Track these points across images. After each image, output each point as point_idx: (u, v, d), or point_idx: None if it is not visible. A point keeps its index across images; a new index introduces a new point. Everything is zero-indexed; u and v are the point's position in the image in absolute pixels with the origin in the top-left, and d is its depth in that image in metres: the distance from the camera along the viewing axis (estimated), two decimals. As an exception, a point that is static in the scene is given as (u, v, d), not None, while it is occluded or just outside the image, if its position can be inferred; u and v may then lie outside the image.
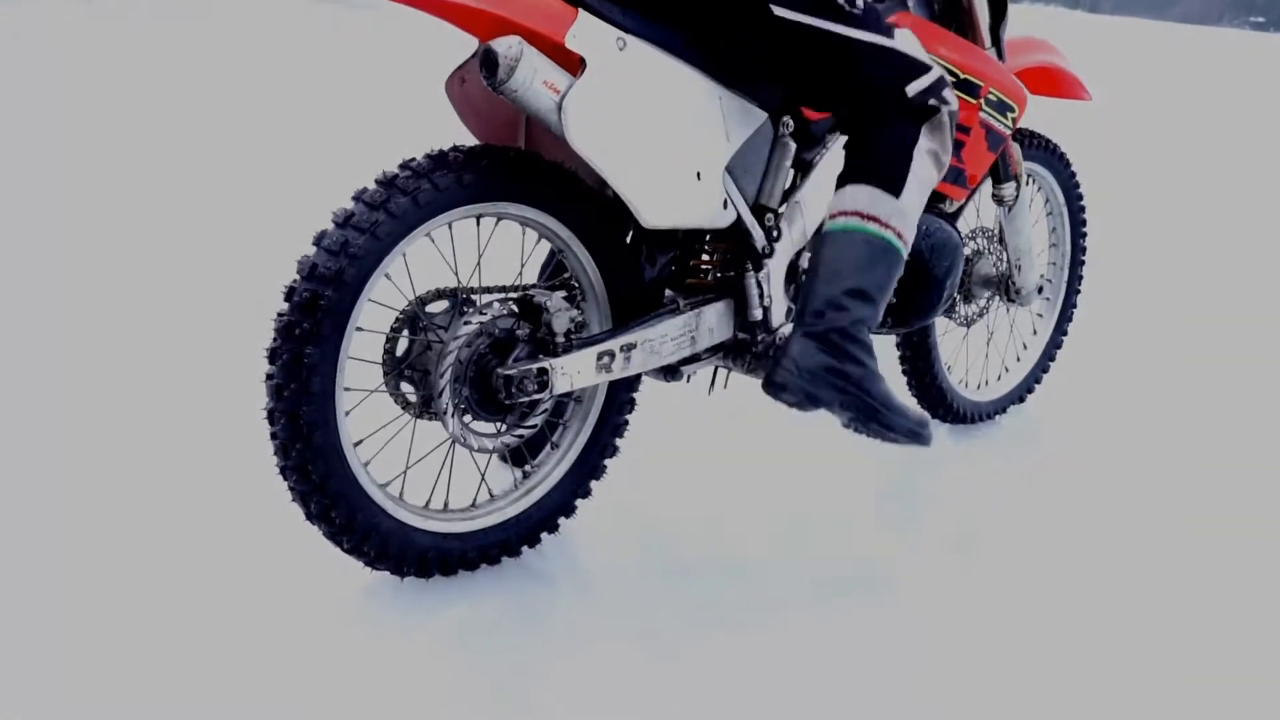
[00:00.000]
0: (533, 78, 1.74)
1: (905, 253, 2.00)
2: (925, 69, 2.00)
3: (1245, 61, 17.88)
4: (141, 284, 3.33)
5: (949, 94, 2.02)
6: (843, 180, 2.01)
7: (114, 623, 1.79)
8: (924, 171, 2.00)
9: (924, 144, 1.99)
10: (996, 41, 2.53)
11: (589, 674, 1.77)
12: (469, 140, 1.92)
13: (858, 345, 1.95)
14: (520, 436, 1.96)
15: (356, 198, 1.78)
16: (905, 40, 2.03)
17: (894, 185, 1.97)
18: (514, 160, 1.88)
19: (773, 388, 1.97)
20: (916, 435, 2.01)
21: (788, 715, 1.71)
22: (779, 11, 1.91)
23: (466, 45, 1.88)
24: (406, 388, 1.92)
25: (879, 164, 1.98)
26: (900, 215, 1.98)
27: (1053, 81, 2.79)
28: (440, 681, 1.73)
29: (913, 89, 1.98)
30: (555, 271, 2.12)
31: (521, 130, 2.01)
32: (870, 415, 1.97)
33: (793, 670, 1.81)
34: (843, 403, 1.96)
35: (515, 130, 2.00)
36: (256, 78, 7.35)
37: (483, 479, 2.02)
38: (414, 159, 1.82)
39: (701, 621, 1.92)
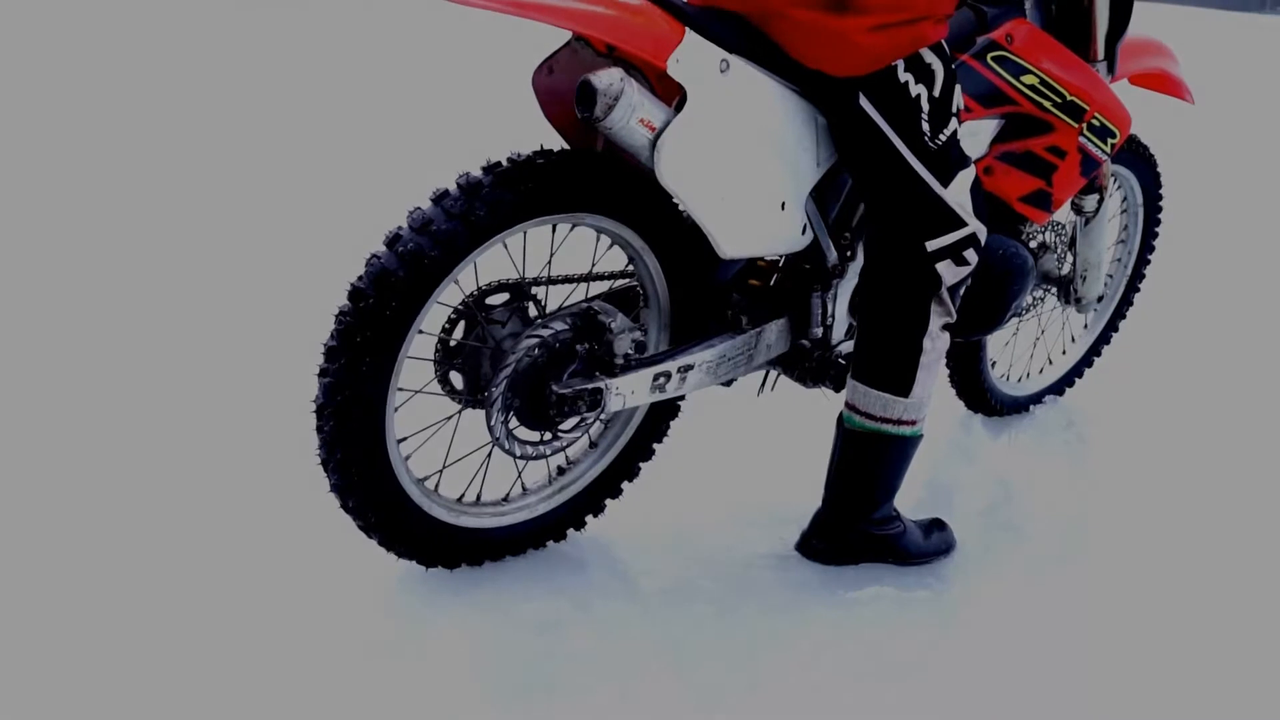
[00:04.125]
0: (630, 116, 1.65)
1: (921, 432, 2.04)
2: (959, 225, 1.93)
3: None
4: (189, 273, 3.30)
5: (970, 254, 1.97)
6: (856, 372, 2.01)
7: (134, 615, 1.82)
8: (932, 356, 1.99)
9: (933, 324, 1.97)
10: (1110, 52, 2.39)
11: (613, 664, 1.80)
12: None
13: (882, 531, 2.09)
14: (561, 448, 1.94)
15: (436, 201, 1.71)
16: (959, 187, 1.93)
17: (904, 388, 1.98)
18: (595, 169, 1.80)
19: (808, 553, 2.11)
20: (944, 553, 2.16)
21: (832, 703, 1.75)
22: (863, 102, 1.83)
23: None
24: (456, 377, 1.89)
25: (889, 368, 1.98)
26: (914, 408, 2.01)
27: (1159, 83, 2.66)
28: (465, 670, 1.76)
29: (933, 244, 1.92)
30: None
31: (604, 127, 1.91)
32: (903, 564, 2.11)
33: (826, 659, 1.85)
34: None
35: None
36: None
37: (519, 479, 2.01)
38: (497, 163, 1.74)
39: (736, 607, 1.95)
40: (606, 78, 1.63)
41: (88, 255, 3.53)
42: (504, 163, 1.74)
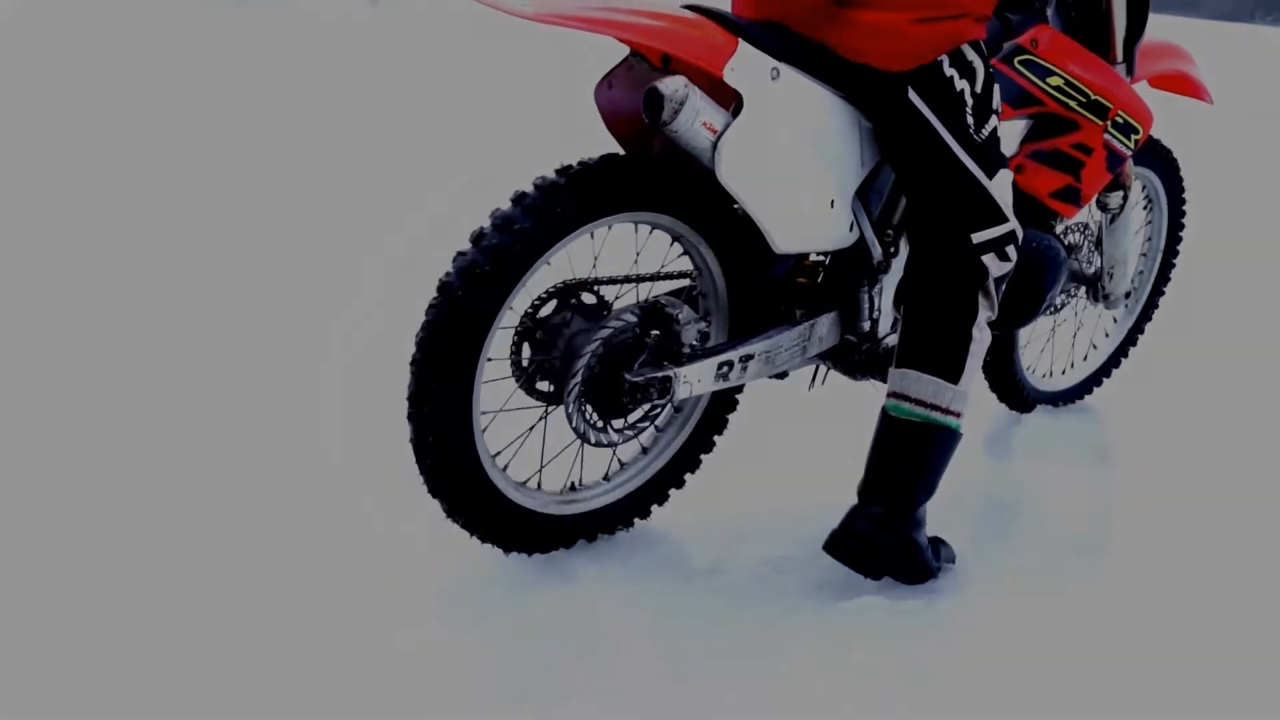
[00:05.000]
0: (694, 119, 1.79)
1: (962, 431, 2.09)
2: (1002, 220, 2.06)
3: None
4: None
5: (1011, 250, 2.08)
6: (903, 359, 2.07)
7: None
8: (979, 346, 2.07)
9: (981, 315, 2.07)
10: (1129, 54, 2.53)
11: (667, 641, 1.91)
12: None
13: (914, 535, 2.07)
14: (633, 436, 2.07)
15: (516, 201, 1.85)
16: (1002, 182, 2.07)
17: (954, 374, 2.05)
18: (657, 172, 1.94)
19: (837, 553, 2.06)
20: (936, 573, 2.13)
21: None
22: (912, 96, 1.97)
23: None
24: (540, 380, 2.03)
25: (940, 353, 2.05)
26: (961, 398, 2.07)
27: (1178, 84, 2.79)
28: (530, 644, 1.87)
29: (978, 238, 2.04)
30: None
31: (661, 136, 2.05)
32: (918, 581, 2.09)
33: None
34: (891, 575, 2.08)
35: (659, 136, 2.04)
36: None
37: (616, 459, 2.17)
38: (570, 166, 1.88)
39: (777, 594, 2.05)
40: (672, 84, 1.78)
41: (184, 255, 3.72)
42: (575, 165, 1.88)
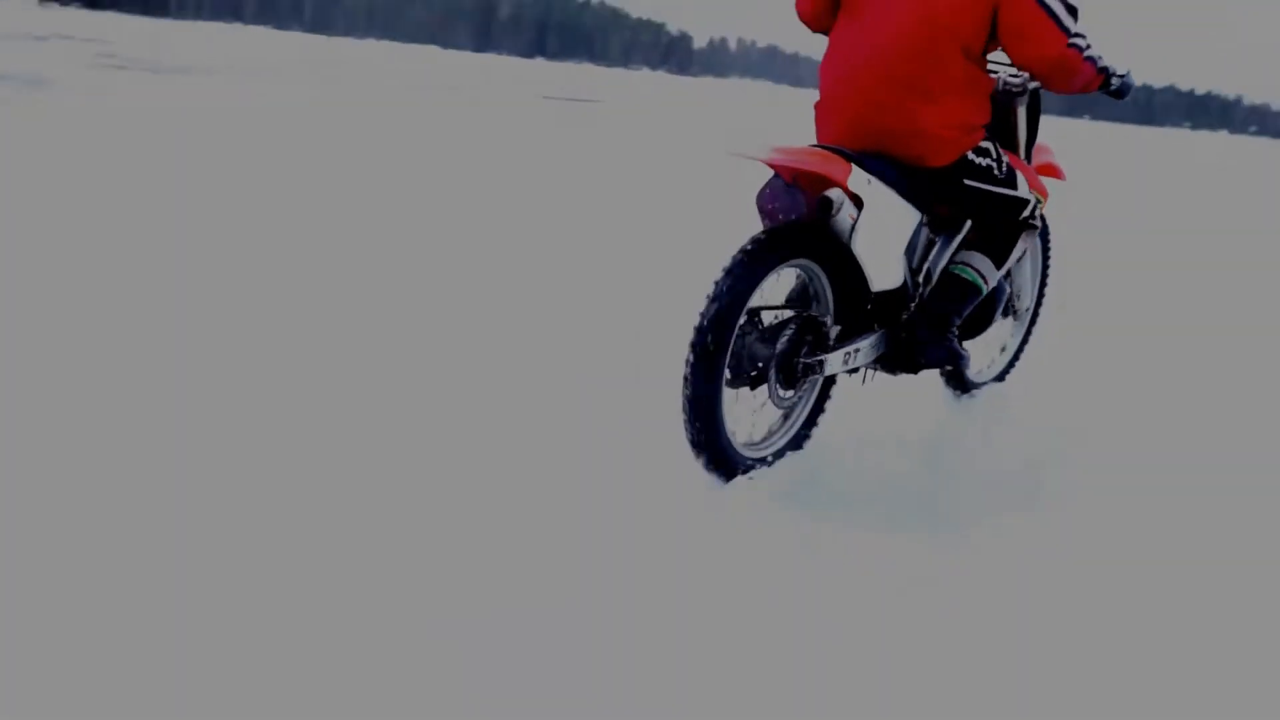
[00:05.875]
0: (845, 212, 3.21)
1: (986, 292, 3.62)
2: (1029, 203, 3.61)
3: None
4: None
5: (1039, 212, 3.64)
6: (969, 245, 3.62)
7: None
8: (1016, 255, 3.64)
9: (1021, 243, 3.61)
10: (1029, 154, 4.08)
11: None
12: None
13: (951, 331, 3.62)
14: (796, 400, 3.45)
15: (738, 254, 3.20)
16: (1023, 182, 3.62)
17: (999, 261, 3.62)
18: (805, 237, 3.33)
19: (921, 353, 3.58)
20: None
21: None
22: (968, 183, 3.48)
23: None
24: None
25: (995, 247, 3.61)
26: (994, 275, 3.61)
27: (1049, 170, 4.37)
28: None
29: (1022, 216, 3.57)
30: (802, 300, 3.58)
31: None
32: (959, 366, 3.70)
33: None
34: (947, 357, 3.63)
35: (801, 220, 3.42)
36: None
37: (774, 424, 3.51)
38: (759, 235, 3.25)
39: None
40: (837, 195, 3.20)
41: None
42: (763, 235, 3.25)
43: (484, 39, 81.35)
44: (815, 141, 3.55)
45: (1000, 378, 4.56)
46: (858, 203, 3.29)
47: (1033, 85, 3.82)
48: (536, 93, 27.53)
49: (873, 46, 3.41)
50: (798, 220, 3.35)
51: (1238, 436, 4.21)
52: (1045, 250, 4.58)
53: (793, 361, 3.34)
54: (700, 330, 3.15)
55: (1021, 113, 3.91)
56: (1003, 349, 4.61)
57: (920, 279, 3.65)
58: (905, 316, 3.64)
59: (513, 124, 16.43)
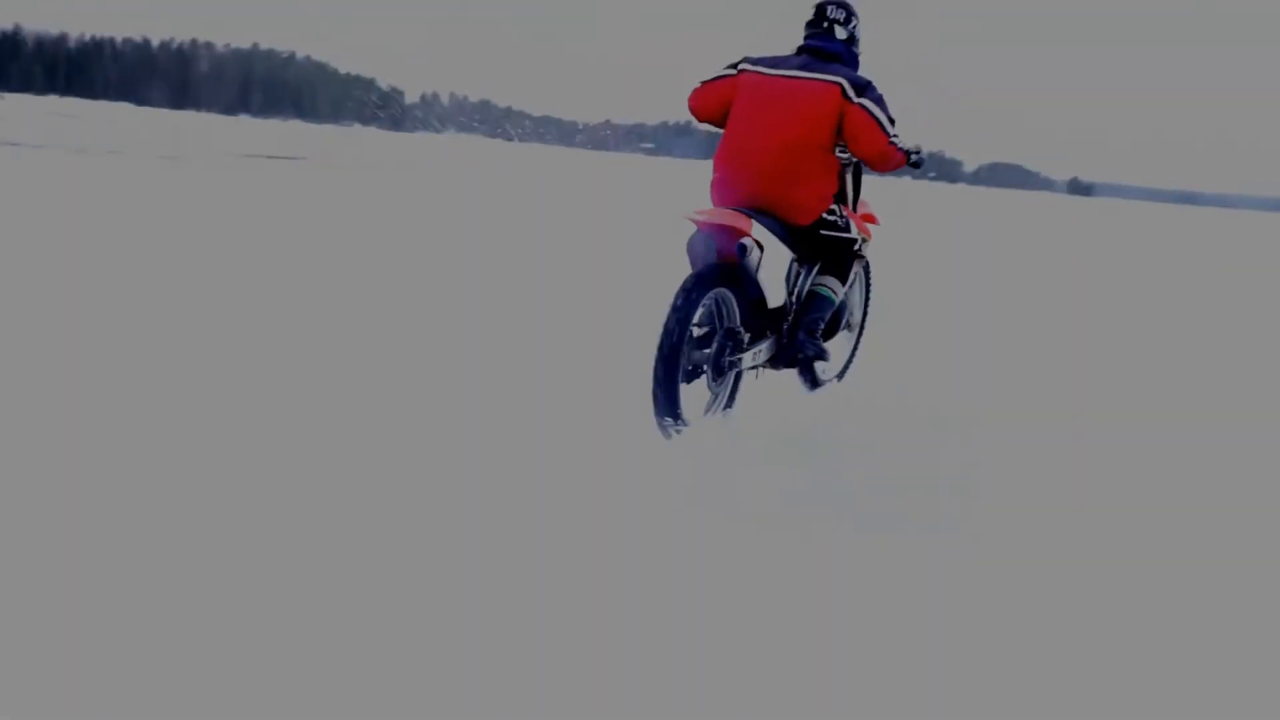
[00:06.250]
0: (755, 256, 4.71)
1: (839, 302, 5.22)
2: (858, 241, 5.26)
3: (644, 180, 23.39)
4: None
5: (865, 246, 5.31)
6: (823, 271, 5.21)
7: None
8: (852, 275, 5.30)
9: (855, 266, 5.30)
10: (855, 204, 5.68)
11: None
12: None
13: (819, 333, 5.19)
14: (721, 386, 4.92)
15: (682, 289, 4.65)
16: (854, 226, 5.24)
17: (843, 279, 5.27)
18: (722, 275, 4.81)
19: (800, 349, 5.10)
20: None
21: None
22: (824, 233, 5.08)
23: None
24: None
25: (840, 271, 5.23)
26: (841, 290, 5.26)
27: (868, 217, 5.99)
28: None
29: (855, 248, 5.25)
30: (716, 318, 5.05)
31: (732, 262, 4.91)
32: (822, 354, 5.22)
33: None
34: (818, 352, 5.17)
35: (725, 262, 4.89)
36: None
37: (709, 400, 4.96)
38: (697, 272, 4.72)
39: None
40: (750, 242, 4.70)
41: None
42: (703, 272, 4.71)
43: (180, 96, 76.68)
44: (713, 207, 5.04)
45: (840, 376, 6.14)
46: (760, 247, 4.79)
47: (855, 160, 5.46)
48: (232, 151, 26.32)
49: (762, 143, 4.98)
50: (717, 262, 4.84)
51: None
52: (868, 281, 6.22)
53: (720, 360, 4.81)
54: (661, 347, 4.59)
55: (848, 179, 5.55)
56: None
57: (793, 298, 5.19)
58: (785, 325, 5.16)
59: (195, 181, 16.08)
